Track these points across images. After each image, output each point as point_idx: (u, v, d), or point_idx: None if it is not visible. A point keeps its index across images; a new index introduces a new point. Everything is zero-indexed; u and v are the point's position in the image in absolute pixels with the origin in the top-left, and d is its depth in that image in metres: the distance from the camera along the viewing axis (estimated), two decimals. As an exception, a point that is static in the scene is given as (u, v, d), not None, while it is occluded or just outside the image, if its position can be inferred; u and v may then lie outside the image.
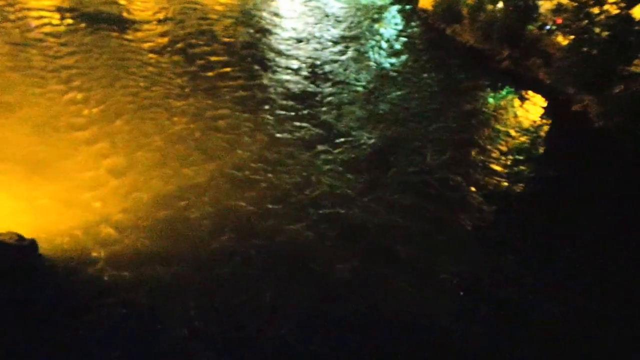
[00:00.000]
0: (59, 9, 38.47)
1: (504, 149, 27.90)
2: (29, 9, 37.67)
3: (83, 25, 36.26)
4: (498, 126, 30.58)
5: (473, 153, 27.08)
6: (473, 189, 23.91)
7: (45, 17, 36.68)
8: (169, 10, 41.40)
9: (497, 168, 25.91)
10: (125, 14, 39.77)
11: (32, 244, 16.76)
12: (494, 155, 27.13)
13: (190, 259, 17.69)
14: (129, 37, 35.64)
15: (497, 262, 19.71)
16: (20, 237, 16.61)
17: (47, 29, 34.78)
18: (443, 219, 21.52)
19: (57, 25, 35.73)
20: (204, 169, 22.25)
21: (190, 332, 15.18)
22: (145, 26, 38.12)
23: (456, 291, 18.05)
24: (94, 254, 17.26)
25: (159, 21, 39.14)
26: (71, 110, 25.47)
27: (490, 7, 42.72)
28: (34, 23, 35.35)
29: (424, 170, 24.86)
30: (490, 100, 34.68)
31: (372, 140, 26.73)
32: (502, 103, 34.20)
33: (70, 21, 36.59)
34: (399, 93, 33.07)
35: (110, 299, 15.84)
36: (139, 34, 36.48)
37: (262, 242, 18.70)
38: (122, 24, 37.57)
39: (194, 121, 26.03)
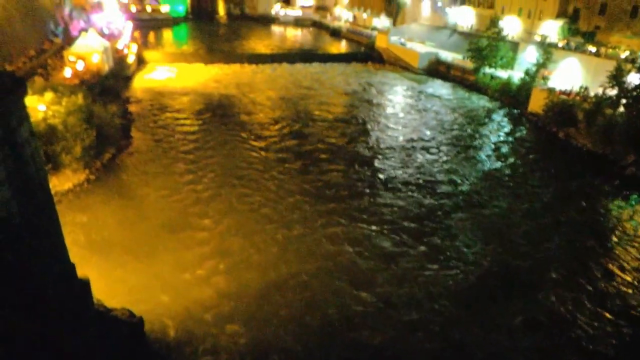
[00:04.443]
0: (194, 112, 44.77)
1: (633, 269, 24.30)
2: (172, 111, 44.46)
3: (211, 126, 41.32)
4: (625, 241, 27.07)
5: (597, 275, 23.58)
6: (597, 326, 20.10)
7: (183, 118, 42.81)
8: (292, 120, 44.56)
9: (629, 298, 22.05)
10: (249, 118, 44.73)
11: (140, 321, 18.00)
12: (622, 276, 23.63)
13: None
14: (249, 138, 39.28)
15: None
16: (131, 314, 17.99)
17: (183, 128, 40.34)
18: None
19: (190, 125, 41.31)
20: (308, 286, 21.39)
21: None
22: (266, 128, 42.11)
23: None
24: (190, 343, 17.89)
25: (281, 129, 41.99)
26: (190, 212, 26.92)
27: (609, 111, 40.54)
28: (173, 124, 41.29)
29: (541, 302, 21.44)
30: (614, 210, 31.34)
31: (482, 262, 24.17)
32: (629, 214, 30.65)
33: (200, 122, 42.13)
34: (508, 201, 31.18)
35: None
36: (260, 135, 40.07)
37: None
38: (246, 127, 41.62)
39: (305, 232, 25.59)
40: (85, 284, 15.15)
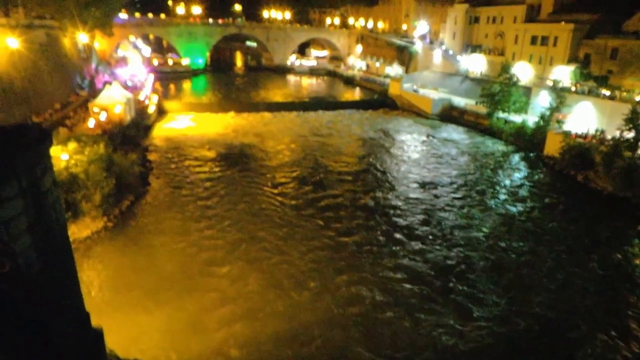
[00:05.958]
0: (211, 159, 45.56)
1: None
2: (190, 159, 45.32)
3: (228, 174, 41.89)
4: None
5: (633, 326, 22.43)
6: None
7: (200, 166, 43.55)
8: (310, 168, 44.88)
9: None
10: (266, 166, 45.33)
11: (152, 373, 17.62)
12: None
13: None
14: (266, 186, 39.57)
15: None
16: (143, 365, 17.62)
17: (201, 176, 40.91)
18: None
19: (208, 172, 41.93)
20: (326, 341, 20.54)
21: None
22: (284, 177, 42.44)
23: None
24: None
25: (298, 178, 42.43)
26: (205, 260, 26.64)
27: (627, 153, 40.06)
28: (190, 172, 42.03)
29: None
30: (641, 254, 30.30)
31: (508, 317, 22.90)
32: (657, 258, 29.56)
33: (217, 169, 42.77)
34: (531, 247, 30.29)
35: None
36: (277, 183, 40.33)
37: None
38: (263, 175, 42.00)
39: (322, 284, 24.84)
40: (99, 334, 14.96)
